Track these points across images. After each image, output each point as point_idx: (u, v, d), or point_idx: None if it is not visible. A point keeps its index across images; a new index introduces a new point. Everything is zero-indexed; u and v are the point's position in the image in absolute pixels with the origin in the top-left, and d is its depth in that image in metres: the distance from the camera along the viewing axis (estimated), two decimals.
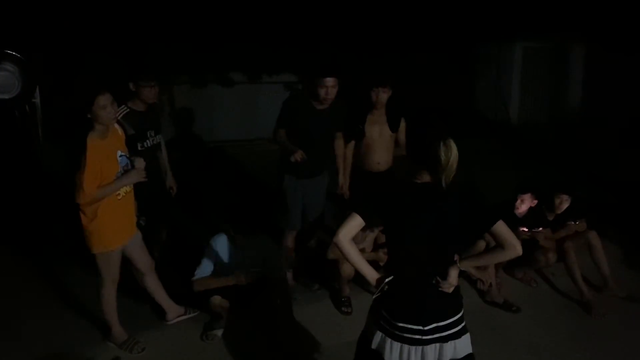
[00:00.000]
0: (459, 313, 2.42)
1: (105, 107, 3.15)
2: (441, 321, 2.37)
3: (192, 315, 3.89)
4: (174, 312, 3.84)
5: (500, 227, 2.31)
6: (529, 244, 4.45)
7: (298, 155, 3.77)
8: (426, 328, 2.36)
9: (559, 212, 4.51)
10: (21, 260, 4.75)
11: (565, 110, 9.41)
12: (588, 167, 6.90)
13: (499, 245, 2.34)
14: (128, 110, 3.88)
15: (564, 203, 4.46)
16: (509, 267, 4.69)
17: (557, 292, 4.61)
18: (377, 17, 8.79)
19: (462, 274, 4.33)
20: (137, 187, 3.50)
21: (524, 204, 4.47)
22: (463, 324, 2.43)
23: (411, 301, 2.39)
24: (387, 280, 2.41)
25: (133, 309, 3.90)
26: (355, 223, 2.35)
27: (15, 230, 5.25)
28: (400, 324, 2.38)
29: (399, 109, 4.39)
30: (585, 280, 4.48)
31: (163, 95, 8.48)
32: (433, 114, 2.42)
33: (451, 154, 2.22)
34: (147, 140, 3.99)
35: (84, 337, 3.68)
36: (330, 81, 3.87)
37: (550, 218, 4.60)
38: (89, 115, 3.15)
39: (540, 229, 4.47)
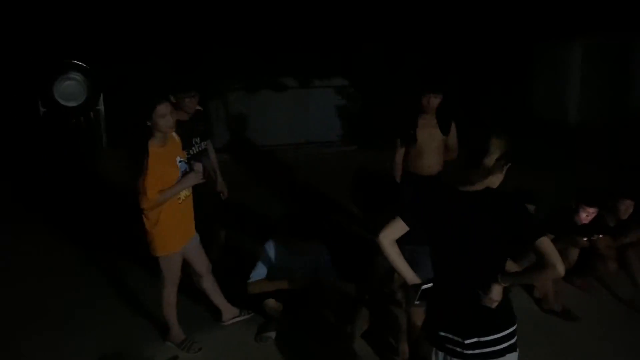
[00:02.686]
0: (506, 330, 2.33)
1: (165, 115, 3.29)
2: (484, 336, 2.30)
3: (246, 317, 3.98)
4: (229, 313, 3.95)
5: (543, 243, 2.20)
6: (589, 251, 4.31)
7: None
8: (466, 342, 2.30)
9: (623, 218, 4.34)
10: (85, 262, 4.99)
11: (628, 109, 9.00)
12: None
13: (540, 263, 2.22)
14: None
15: (628, 209, 4.28)
16: (568, 274, 4.55)
17: (618, 301, 4.43)
18: (433, 18, 8.73)
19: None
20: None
21: (589, 217, 4.30)
22: (510, 342, 2.33)
23: (452, 312, 2.35)
24: (424, 286, 2.39)
25: (190, 309, 4.03)
26: (397, 225, 2.37)
27: (80, 232, 5.53)
28: (442, 333, 2.35)
29: (449, 112, 4.36)
30: None
31: (217, 100, 8.75)
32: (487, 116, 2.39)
33: (501, 141, 2.21)
34: (193, 148, 4.13)
35: (144, 337, 3.85)
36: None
37: (612, 224, 4.43)
38: (149, 123, 3.29)
39: (600, 235, 4.31)
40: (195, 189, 3.55)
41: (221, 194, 4.50)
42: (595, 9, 8.74)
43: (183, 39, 8.00)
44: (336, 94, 9.51)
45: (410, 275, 2.45)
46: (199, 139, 4.19)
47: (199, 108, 4.28)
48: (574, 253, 4.29)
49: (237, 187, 4.85)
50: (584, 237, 4.25)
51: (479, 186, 2.28)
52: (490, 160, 2.23)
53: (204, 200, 3.85)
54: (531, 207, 4.25)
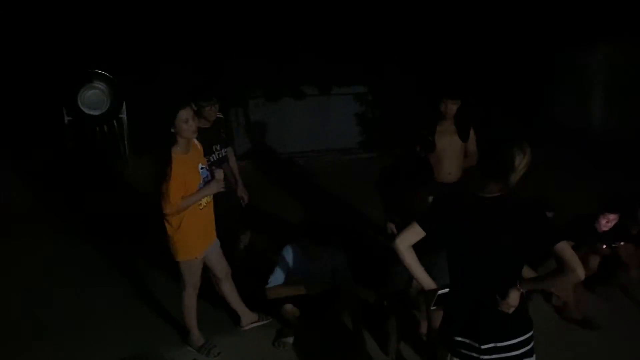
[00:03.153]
0: (523, 335, 2.33)
1: (187, 120, 3.35)
2: (500, 342, 2.30)
3: (265, 322, 4.03)
4: (248, 318, 4.00)
5: (563, 248, 2.22)
6: (611, 259, 4.26)
7: None
8: (483, 347, 2.31)
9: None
10: (107, 267, 5.09)
11: None
12: None
13: (560, 267, 2.24)
14: None
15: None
16: (589, 282, 4.50)
17: None
18: (455, 26, 8.73)
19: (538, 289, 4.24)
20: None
21: (610, 223, 4.26)
22: (527, 348, 2.34)
23: (468, 316, 2.36)
24: (440, 292, 2.40)
25: (210, 314, 4.10)
26: (414, 231, 2.38)
27: (102, 237, 5.64)
28: (458, 339, 2.36)
29: (468, 118, 4.36)
30: None
31: (238, 108, 8.85)
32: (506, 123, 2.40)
33: (525, 157, 2.19)
34: (214, 155, 4.20)
35: (165, 340, 3.92)
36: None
37: (635, 232, 4.37)
38: (172, 130, 3.36)
39: (622, 243, 4.26)
40: (216, 195, 3.60)
41: (241, 200, 4.57)
42: (615, 16, 8.66)
43: (204, 48, 8.14)
44: (356, 100, 9.52)
45: (426, 281, 2.45)
46: (219, 146, 4.27)
47: (220, 115, 4.36)
48: (595, 261, 4.25)
49: (257, 194, 4.90)
50: (605, 244, 4.21)
51: (497, 193, 2.29)
52: (516, 177, 2.23)
53: (225, 206, 3.93)
54: (549, 215, 4.23)
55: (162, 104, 3.66)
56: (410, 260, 2.41)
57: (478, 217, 2.30)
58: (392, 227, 4.08)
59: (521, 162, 2.19)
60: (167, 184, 3.26)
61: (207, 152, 4.10)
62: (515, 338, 2.33)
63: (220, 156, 4.29)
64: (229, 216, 4.12)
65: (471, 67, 8.61)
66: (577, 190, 6.32)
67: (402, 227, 2.48)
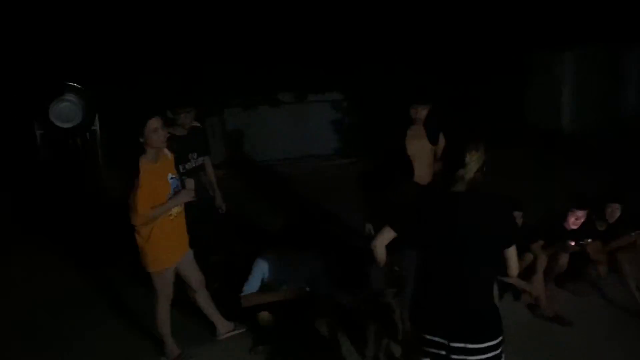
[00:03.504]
0: (494, 339, 2.34)
1: (157, 130, 3.36)
2: (470, 343, 2.31)
3: (241, 330, 4.01)
4: (224, 327, 3.98)
5: (511, 253, 2.41)
6: (580, 256, 4.35)
7: None
8: (452, 345, 2.31)
9: (611, 221, 4.38)
10: (81, 278, 5.05)
11: (619, 117, 9.09)
12: None
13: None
14: (169, 135, 4.09)
15: (615, 212, 4.32)
16: (560, 279, 4.58)
17: (611, 305, 4.43)
18: (427, 29, 8.84)
19: (510, 287, 4.31)
20: (186, 207, 3.68)
21: (578, 221, 4.35)
22: (496, 353, 2.34)
23: (439, 314, 2.38)
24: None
25: (186, 324, 4.07)
26: (388, 234, 2.52)
27: (78, 250, 5.57)
28: (427, 337, 2.37)
29: (437, 122, 4.41)
30: None
31: (215, 117, 8.84)
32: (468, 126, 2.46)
33: (476, 153, 2.29)
34: (190, 163, 4.21)
35: (140, 352, 3.88)
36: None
37: (602, 228, 4.46)
38: (141, 139, 3.36)
39: (590, 240, 4.34)
40: (191, 204, 3.60)
41: (219, 210, 4.55)
42: (585, 20, 8.87)
43: (178, 57, 8.12)
44: (332, 107, 9.61)
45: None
46: (195, 154, 4.27)
47: (197, 124, 4.37)
48: (564, 258, 4.33)
49: (235, 202, 4.90)
50: (574, 241, 4.29)
51: (460, 189, 2.34)
52: (469, 172, 2.30)
53: (198, 215, 3.92)
54: (518, 214, 4.30)
55: (135, 114, 3.66)
56: (382, 257, 2.56)
57: (445, 212, 2.36)
58: (369, 227, 4.13)
59: (471, 158, 2.27)
60: (135, 194, 3.26)
61: (183, 160, 4.10)
62: (486, 341, 2.33)
63: (197, 164, 4.29)
64: (203, 226, 4.12)
65: (445, 71, 8.73)
66: (547, 189, 6.43)
67: (379, 228, 2.60)
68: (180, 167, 4.08)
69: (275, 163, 8.99)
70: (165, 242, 3.47)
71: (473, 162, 2.29)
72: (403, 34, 8.79)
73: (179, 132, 4.16)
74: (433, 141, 4.38)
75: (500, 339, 2.37)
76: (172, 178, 3.51)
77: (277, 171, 8.72)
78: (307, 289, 4.00)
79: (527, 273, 4.33)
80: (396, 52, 8.75)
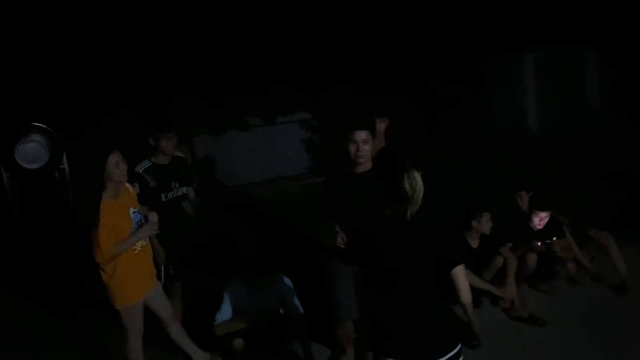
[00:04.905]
0: (451, 350, 2.37)
1: (118, 164, 3.35)
2: (440, 357, 2.32)
3: None
4: (199, 358, 3.93)
5: (456, 273, 2.38)
6: (547, 255, 4.42)
7: None
8: None
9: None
10: (55, 320, 4.96)
11: (581, 117, 9.32)
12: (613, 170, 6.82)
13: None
14: (150, 163, 4.12)
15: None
16: (532, 280, 4.64)
17: (583, 302, 4.51)
18: (384, 46, 8.99)
19: (485, 292, 4.36)
20: (167, 237, 3.77)
21: (542, 221, 4.43)
22: (462, 357, 2.39)
23: (398, 335, 2.37)
24: None
25: (161, 356, 4.01)
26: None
27: (50, 289, 5.50)
28: None
29: (398, 136, 4.47)
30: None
31: (184, 146, 8.81)
32: (398, 149, 2.49)
33: (416, 185, 2.28)
34: (172, 192, 4.17)
35: None
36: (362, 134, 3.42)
37: (566, 227, 4.55)
38: (102, 175, 3.34)
39: (555, 239, 4.42)
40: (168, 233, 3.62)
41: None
42: (542, 24, 9.12)
43: (143, 90, 8.11)
44: (301, 127, 9.66)
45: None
46: (177, 184, 4.22)
47: (180, 155, 4.37)
48: (533, 258, 4.40)
49: (208, 229, 4.84)
50: (540, 241, 4.36)
51: (405, 212, 2.33)
52: (415, 203, 2.31)
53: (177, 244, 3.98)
54: (487, 215, 4.37)
55: (96, 149, 3.64)
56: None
57: (387, 234, 2.36)
58: (343, 236, 4.08)
59: (414, 189, 2.27)
60: (97, 231, 3.24)
61: (164, 189, 4.08)
62: (452, 350, 2.36)
63: (179, 194, 4.24)
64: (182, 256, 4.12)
65: (407, 81, 8.88)
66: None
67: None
68: (162, 196, 4.08)
69: (248, 186, 8.98)
70: (131, 278, 3.44)
71: (416, 194, 2.28)
72: (364, 47, 8.90)
73: (162, 161, 4.15)
74: None
75: (459, 347, 2.41)
76: (134, 212, 3.50)
77: (250, 194, 8.70)
78: (281, 311, 4.00)
79: (498, 276, 4.39)
80: (358, 65, 8.85)
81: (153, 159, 4.14)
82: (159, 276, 3.84)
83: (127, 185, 3.61)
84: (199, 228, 4.55)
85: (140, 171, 4.04)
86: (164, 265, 4.02)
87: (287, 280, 4.05)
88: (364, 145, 3.37)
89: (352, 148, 3.39)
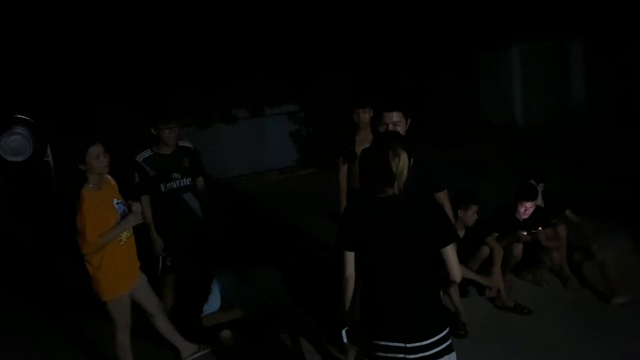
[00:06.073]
0: (441, 332, 2.39)
1: (98, 156, 3.33)
2: (424, 340, 2.35)
3: (205, 351, 3.94)
4: (187, 350, 3.90)
5: (448, 252, 2.36)
6: (533, 245, 4.45)
7: None
8: (409, 346, 2.34)
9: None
10: (40, 311, 4.93)
11: (569, 108, 9.38)
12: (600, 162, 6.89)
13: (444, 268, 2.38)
14: (151, 153, 4.09)
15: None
16: (518, 269, 4.68)
17: (567, 291, 4.56)
18: (371, 37, 8.98)
19: (471, 282, 4.39)
20: (165, 228, 3.81)
21: (528, 211, 4.44)
22: (447, 343, 2.40)
23: (388, 319, 2.39)
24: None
25: (148, 349, 3.99)
26: (348, 258, 2.45)
27: (34, 283, 5.45)
28: (382, 343, 2.37)
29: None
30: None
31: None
32: (388, 132, 2.48)
33: (400, 160, 2.30)
34: (172, 182, 4.12)
35: None
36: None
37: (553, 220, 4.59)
38: (82, 167, 3.32)
39: (540, 228, 4.45)
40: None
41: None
42: (528, 15, 9.14)
43: (130, 81, 8.03)
44: (289, 119, 9.62)
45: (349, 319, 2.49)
46: (180, 174, 4.15)
47: (187, 144, 4.31)
48: (518, 248, 4.43)
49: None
50: (525, 231, 4.39)
51: (391, 193, 2.37)
52: (400, 180, 2.33)
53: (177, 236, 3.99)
54: (474, 207, 4.39)
55: (76, 140, 3.60)
56: (347, 293, 2.47)
57: (379, 217, 2.37)
58: None
59: (398, 166, 2.30)
60: (82, 223, 3.21)
61: (164, 179, 4.04)
62: (435, 335, 2.37)
63: (180, 185, 4.17)
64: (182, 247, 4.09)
65: (394, 72, 8.87)
66: (499, 182, 6.54)
67: None
68: (162, 186, 4.05)
69: (236, 179, 8.93)
70: (117, 269, 3.42)
71: (400, 170, 2.30)
72: (351, 38, 8.88)
73: (164, 151, 4.11)
74: None
75: (448, 329, 2.43)
76: (117, 203, 3.47)
77: (239, 187, 8.66)
78: (270, 302, 3.99)
79: (485, 266, 4.42)
80: (346, 57, 8.83)
81: (155, 148, 4.11)
82: (155, 267, 3.81)
83: (109, 177, 3.57)
84: (202, 221, 4.39)
85: (139, 160, 4.03)
86: (162, 257, 4.00)
87: (276, 272, 4.04)
88: (396, 128, 3.05)
89: (381, 131, 3.08)
